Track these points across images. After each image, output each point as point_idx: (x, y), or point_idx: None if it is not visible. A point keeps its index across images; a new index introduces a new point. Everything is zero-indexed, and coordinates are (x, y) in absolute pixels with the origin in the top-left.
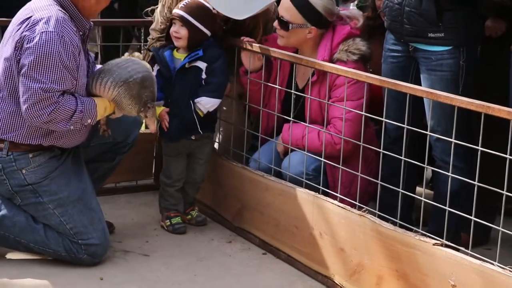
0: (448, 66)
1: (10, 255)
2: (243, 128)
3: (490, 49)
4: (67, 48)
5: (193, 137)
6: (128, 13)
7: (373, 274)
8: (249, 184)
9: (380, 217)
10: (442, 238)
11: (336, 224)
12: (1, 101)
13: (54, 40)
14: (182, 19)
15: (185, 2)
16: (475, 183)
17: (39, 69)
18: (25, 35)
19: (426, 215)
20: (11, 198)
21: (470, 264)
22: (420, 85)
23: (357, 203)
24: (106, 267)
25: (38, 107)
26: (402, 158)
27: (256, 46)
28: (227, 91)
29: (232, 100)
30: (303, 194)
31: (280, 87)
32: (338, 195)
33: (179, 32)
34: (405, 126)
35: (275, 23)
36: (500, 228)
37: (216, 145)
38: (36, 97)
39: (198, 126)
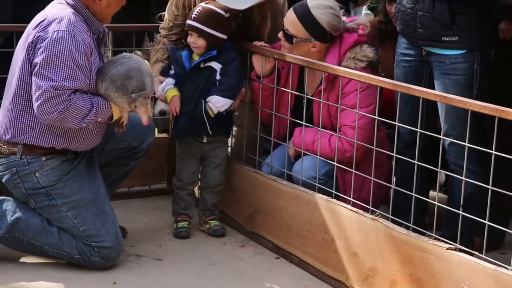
0: (463, 70)
1: (24, 259)
2: (256, 132)
3: (504, 52)
4: (79, 47)
5: (204, 140)
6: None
7: (387, 279)
8: (261, 189)
9: (393, 221)
10: (456, 243)
11: (349, 228)
12: (14, 105)
13: (66, 39)
14: (197, 31)
15: (197, 12)
16: (489, 187)
17: (51, 67)
18: (38, 36)
19: (439, 220)
20: (26, 201)
21: (484, 269)
22: (433, 89)
23: (370, 207)
24: (119, 271)
25: (49, 104)
26: (416, 162)
27: (268, 50)
28: (241, 96)
29: (245, 104)
30: (315, 198)
31: (290, 91)
32: (350, 199)
33: (196, 42)
34: (418, 130)
35: (280, 34)
36: None
37: (228, 149)
38: (47, 94)
39: (208, 126)
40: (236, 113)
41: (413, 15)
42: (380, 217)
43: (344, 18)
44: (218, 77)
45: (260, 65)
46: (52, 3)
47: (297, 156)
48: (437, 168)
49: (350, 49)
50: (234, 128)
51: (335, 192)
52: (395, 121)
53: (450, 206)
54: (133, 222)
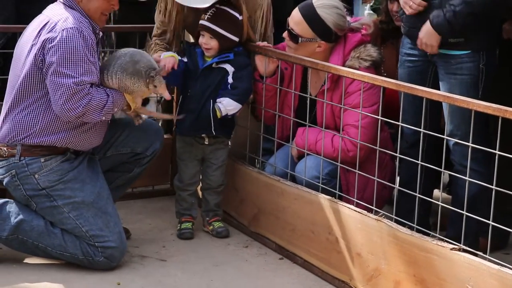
0: (468, 70)
1: (28, 260)
2: (259, 133)
3: (507, 52)
4: (87, 42)
5: (206, 142)
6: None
7: (390, 279)
8: (265, 189)
9: (397, 221)
10: (461, 243)
11: (352, 228)
12: (15, 106)
13: (75, 35)
14: (210, 31)
15: (211, 13)
16: (493, 187)
17: (67, 65)
18: (47, 37)
19: (444, 220)
20: (27, 204)
21: (488, 269)
22: (438, 89)
23: (373, 208)
24: (123, 272)
25: (74, 100)
26: (419, 162)
27: (271, 50)
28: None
29: (248, 105)
30: (319, 198)
31: (294, 91)
32: (354, 199)
33: (208, 43)
34: (421, 130)
35: (285, 34)
36: None
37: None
38: (70, 91)
39: (213, 126)
40: (237, 114)
41: (419, 18)
42: (384, 217)
43: (348, 18)
44: (230, 80)
45: (263, 65)
46: (49, 6)
47: (300, 156)
48: (441, 168)
49: (354, 48)
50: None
51: (339, 193)
52: (398, 121)
53: (455, 206)
54: (137, 222)
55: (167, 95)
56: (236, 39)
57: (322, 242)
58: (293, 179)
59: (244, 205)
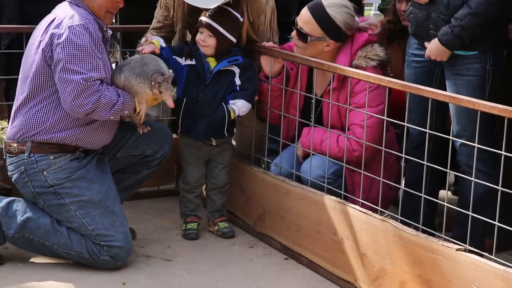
0: (475, 71)
1: (34, 259)
2: (264, 133)
3: None
4: (93, 38)
5: (214, 143)
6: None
7: (396, 280)
8: (270, 189)
9: (402, 222)
10: (467, 244)
11: (357, 229)
12: (25, 104)
13: (82, 32)
14: (210, 28)
15: (213, 11)
16: (499, 188)
17: (75, 61)
18: (53, 33)
19: (449, 221)
20: (35, 201)
21: (493, 270)
22: (445, 89)
23: (379, 208)
24: (128, 272)
25: (83, 96)
26: (425, 163)
27: (276, 51)
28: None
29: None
30: (324, 199)
31: (299, 91)
32: (359, 199)
33: (206, 41)
34: (427, 131)
35: (293, 33)
36: None
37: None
38: (80, 87)
39: (225, 128)
40: None
41: (426, 17)
42: (389, 218)
43: (356, 18)
44: (238, 81)
45: (268, 65)
46: (57, 6)
47: (306, 156)
48: (447, 169)
49: (361, 48)
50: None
51: (344, 193)
52: (404, 122)
53: (461, 207)
54: (142, 222)
55: (171, 103)
56: (234, 40)
57: (327, 243)
58: (299, 179)
59: (250, 206)
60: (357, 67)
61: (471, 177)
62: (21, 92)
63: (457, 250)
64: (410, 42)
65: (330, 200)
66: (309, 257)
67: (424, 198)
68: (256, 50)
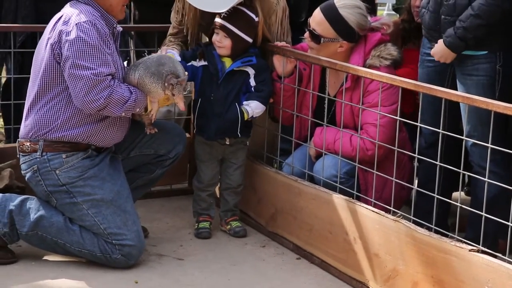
0: (484, 71)
1: (47, 258)
2: (276, 133)
3: None
4: (101, 34)
5: (227, 142)
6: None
7: (408, 280)
8: (282, 189)
9: (415, 222)
10: (480, 244)
11: (370, 229)
12: (37, 102)
13: (89, 28)
14: (225, 30)
15: (227, 12)
16: None
17: (85, 57)
18: (61, 30)
19: (462, 221)
20: (47, 200)
21: (507, 271)
22: (457, 89)
23: (391, 208)
24: (140, 271)
25: (95, 92)
26: (437, 163)
27: (289, 50)
28: None
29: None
30: (336, 199)
31: (312, 91)
32: (372, 200)
33: (222, 42)
34: (440, 131)
35: (306, 35)
36: None
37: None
38: (91, 83)
39: (239, 129)
40: None
41: (437, 19)
42: (401, 218)
43: (368, 18)
44: (253, 83)
45: (281, 65)
46: (66, 5)
47: (318, 156)
48: (460, 169)
49: (374, 47)
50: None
51: (356, 193)
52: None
53: (474, 207)
54: (155, 221)
55: (182, 106)
56: (250, 40)
57: (339, 242)
58: (311, 179)
59: (262, 205)
60: (370, 66)
61: (483, 177)
62: (32, 90)
63: (470, 250)
64: (424, 41)
65: (342, 200)
66: (321, 257)
67: (437, 198)
68: (269, 50)
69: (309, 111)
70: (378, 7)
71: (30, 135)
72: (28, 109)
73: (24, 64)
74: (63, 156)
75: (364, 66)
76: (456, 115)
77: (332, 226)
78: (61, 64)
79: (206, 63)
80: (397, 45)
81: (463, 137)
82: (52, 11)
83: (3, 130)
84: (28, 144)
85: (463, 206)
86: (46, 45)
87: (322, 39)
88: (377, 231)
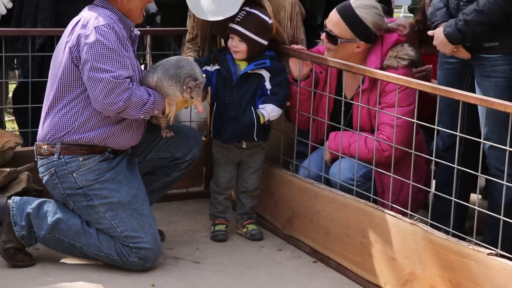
0: (503, 73)
1: (64, 260)
2: (293, 136)
3: None
4: (119, 37)
5: (244, 145)
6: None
7: (426, 284)
8: (298, 192)
9: (432, 226)
10: (498, 248)
11: (387, 232)
12: (54, 106)
13: (108, 31)
14: (239, 34)
15: (241, 16)
16: None
17: (104, 60)
18: (79, 34)
19: (480, 225)
20: (65, 203)
21: None
22: (475, 92)
23: (408, 211)
24: (157, 274)
25: (114, 94)
26: (455, 166)
27: (305, 53)
28: None
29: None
30: (353, 202)
31: (328, 94)
32: (389, 203)
33: (237, 46)
34: (457, 133)
35: (323, 36)
36: None
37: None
38: (110, 85)
39: (255, 132)
40: None
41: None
42: (419, 221)
43: (384, 18)
44: (268, 86)
45: (297, 68)
46: (84, 9)
47: (333, 161)
48: (477, 172)
49: (391, 48)
50: None
51: (373, 196)
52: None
53: (491, 211)
54: (171, 225)
55: (200, 108)
56: (265, 42)
57: (356, 246)
58: (327, 182)
59: (278, 208)
60: (388, 67)
61: (500, 180)
62: (50, 92)
63: (488, 254)
64: None
65: (359, 203)
66: (338, 261)
67: (455, 201)
68: (284, 53)
69: (325, 115)
70: (395, 10)
71: (47, 138)
72: (46, 112)
73: (44, 66)
74: (80, 159)
75: (381, 67)
76: (474, 118)
77: (349, 230)
78: (80, 67)
79: (219, 67)
80: (414, 47)
81: (481, 140)
82: (71, 14)
83: (18, 134)
84: (45, 147)
85: (480, 209)
86: (65, 48)
87: (339, 40)
88: (394, 234)
